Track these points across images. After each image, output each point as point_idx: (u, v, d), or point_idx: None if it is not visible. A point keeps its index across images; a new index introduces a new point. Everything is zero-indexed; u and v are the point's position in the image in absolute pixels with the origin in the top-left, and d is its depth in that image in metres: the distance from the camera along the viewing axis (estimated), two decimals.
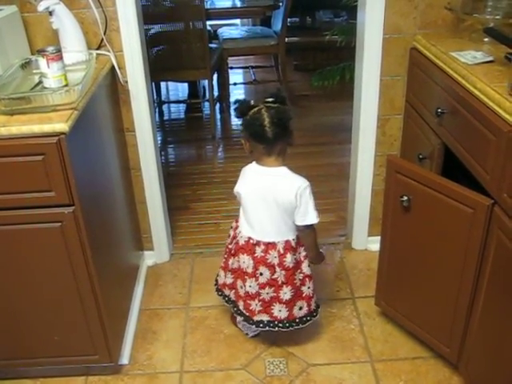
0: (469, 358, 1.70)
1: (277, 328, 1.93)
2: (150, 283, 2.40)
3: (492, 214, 1.48)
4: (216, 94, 4.17)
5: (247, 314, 1.95)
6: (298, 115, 4.09)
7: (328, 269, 2.40)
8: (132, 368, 1.98)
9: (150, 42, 3.12)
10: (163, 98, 4.44)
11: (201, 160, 3.66)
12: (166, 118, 4.34)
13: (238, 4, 4.30)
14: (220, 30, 4.40)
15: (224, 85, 4.23)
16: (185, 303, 2.27)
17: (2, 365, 1.88)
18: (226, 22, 4.90)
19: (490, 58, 1.68)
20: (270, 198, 1.82)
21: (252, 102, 1.81)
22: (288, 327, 1.94)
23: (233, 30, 4.50)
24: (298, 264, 1.89)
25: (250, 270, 1.88)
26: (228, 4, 4.33)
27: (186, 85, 4.55)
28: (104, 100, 1.94)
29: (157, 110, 4.20)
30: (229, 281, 2.00)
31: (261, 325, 1.94)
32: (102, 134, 1.93)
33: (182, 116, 4.39)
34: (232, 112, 2.05)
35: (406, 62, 2.10)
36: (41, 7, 1.80)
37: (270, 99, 1.79)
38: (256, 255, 1.86)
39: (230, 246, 1.98)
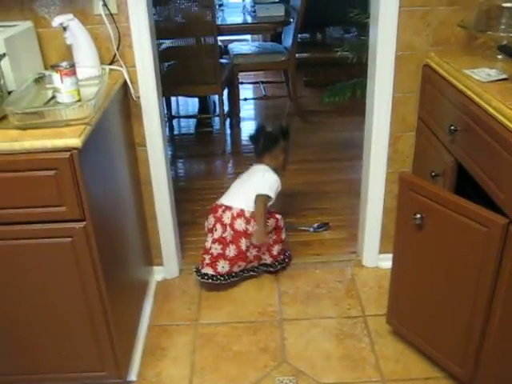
0: (483, 379, 1.67)
1: (218, 281, 2.34)
2: (159, 299, 2.38)
3: (507, 234, 1.46)
4: (226, 109, 4.18)
5: (199, 266, 2.37)
6: (308, 131, 4.10)
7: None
8: None
9: (161, 57, 3.12)
10: (173, 112, 4.45)
11: (210, 175, 3.65)
12: (176, 132, 4.35)
13: (249, 20, 4.31)
14: (231, 46, 4.42)
15: (234, 100, 4.24)
16: (194, 319, 2.25)
17: (9, 380, 1.87)
18: (237, 38, 4.92)
19: (504, 76, 1.67)
20: (247, 176, 2.46)
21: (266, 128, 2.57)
22: (227, 279, 2.36)
23: (243, 45, 4.52)
24: (247, 233, 2.29)
25: (210, 226, 2.35)
26: (239, 20, 4.34)
27: (196, 100, 4.57)
28: (116, 115, 1.95)
29: (167, 124, 4.21)
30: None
31: (205, 277, 2.35)
32: (113, 149, 1.93)
33: (192, 131, 4.40)
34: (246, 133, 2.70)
35: (419, 79, 2.09)
36: (55, 23, 1.82)
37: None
38: (217, 214, 2.34)
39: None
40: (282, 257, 2.49)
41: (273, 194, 2.36)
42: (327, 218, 2.89)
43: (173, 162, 3.77)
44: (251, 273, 2.44)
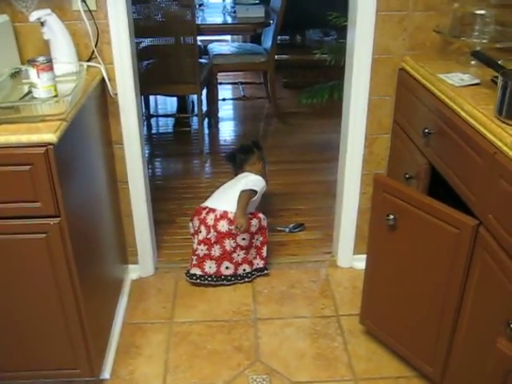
0: (452, 378, 1.71)
1: (206, 281, 2.40)
2: (133, 297, 2.38)
3: (477, 235, 1.49)
4: (205, 109, 4.18)
5: (189, 267, 2.42)
6: (286, 132, 4.12)
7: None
8: (113, 383, 1.95)
9: (140, 56, 3.12)
10: (152, 111, 4.43)
11: (188, 174, 3.65)
12: (154, 131, 4.33)
13: (229, 20, 4.32)
14: (210, 46, 4.42)
15: (213, 100, 4.24)
16: (168, 318, 2.25)
17: None
18: (217, 38, 4.92)
19: (477, 81, 1.71)
20: (232, 183, 2.52)
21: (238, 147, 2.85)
22: (216, 281, 2.40)
23: (223, 45, 4.53)
24: (231, 234, 2.33)
25: (196, 229, 2.39)
26: (219, 20, 4.35)
27: (174, 99, 4.57)
28: (93, 112, 1.94)
29: (145, 123, 4.19)
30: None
31: (194, 277, 2.41)
32: (90, 146, 1.92)
33: (170, 130, 4.39)
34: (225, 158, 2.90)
35: (395, 83, 2.12)
36: (33, 17, 1.80)
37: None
38: (201, 216, 2.37)
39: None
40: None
41: (257, 189, 2.42)
42: (303, 219, 2.91)
43: (150, 160, 3.76)
44: (245, 279, 2.44)
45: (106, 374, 1.96)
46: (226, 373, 1.99)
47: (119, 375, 1.98)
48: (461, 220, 1.53)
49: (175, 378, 1.97)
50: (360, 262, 2.35)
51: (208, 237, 2.34)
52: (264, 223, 2.43)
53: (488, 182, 1.42)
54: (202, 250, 2.36)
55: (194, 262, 2.39)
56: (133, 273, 2.49)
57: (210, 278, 2.39)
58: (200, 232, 2.36)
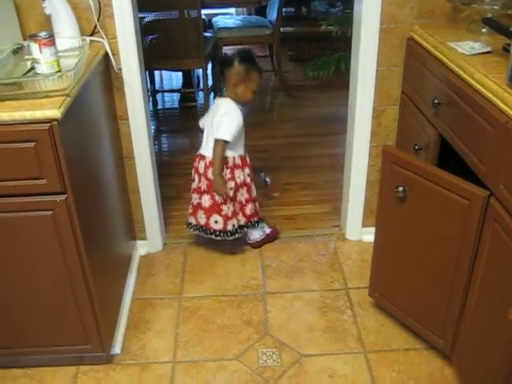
0: (461, 350, 1.71)
1: (197, 232, 2.40)
2: (142, 273, 2.38)
3: (488, 206, 1.47)
4: (210, 83, 4.14)
5: (188, 216, 2.43)
6: (293, 106, 4.09)
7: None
8: (124, 358, 1.96)
9: (144, 30, 3.07)
10: (157, 87, 4.41)
11: (194, 150, 3.57)
12: (159, 107, 4.31)
13: None
14: (215, 19, 4.37)
15: (218, 74, 4.20)
16: (178, 293, 2.26)
17: None
18: (221, 11, 4.86)
19: (488, 49, 1.67)
20: (212, 118, 2.28)
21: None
22: (206, 234, 2.37)
23: (228, 19, 4.46)
24: None
25: (192, 177, 2.38)
26: None
27: (180, 74, 4.53)
28: (97, 87, 1.92)
29: (151, 99, 4.17)
30: None
31: (189, 226, 2.42)
32: (95, 122, 1.90)
33: (176, 105, 4.36)
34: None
35: (403, 53, 2.08)
36: None
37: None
38: (195, 164, 2.35)
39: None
40: (255, 219, 2.44)
41: (229, 138, 2.19)
42: (311, 192, 2.91)
43: (157, 136, 3.75)
44: (235, 235, 2.36)
45: (117, 349, 1.98)
46: (236, 347, 2.00)
47: (130, 350, 1.99)
48: (471, 191, 1.51)
49: (185, 353, 1.98)
50: (368, 235, 2.34)
51: (199, 185, 2.33)
52: (247, 180, 2.36)
53: (499, 151, 1.39)
54: (195, 198, 2.37)
55: (190, 210, 2.40)
56: (141, 249, 2.50)
57: (201, 229, 2.37)
58: (194, 180, 2.36)
